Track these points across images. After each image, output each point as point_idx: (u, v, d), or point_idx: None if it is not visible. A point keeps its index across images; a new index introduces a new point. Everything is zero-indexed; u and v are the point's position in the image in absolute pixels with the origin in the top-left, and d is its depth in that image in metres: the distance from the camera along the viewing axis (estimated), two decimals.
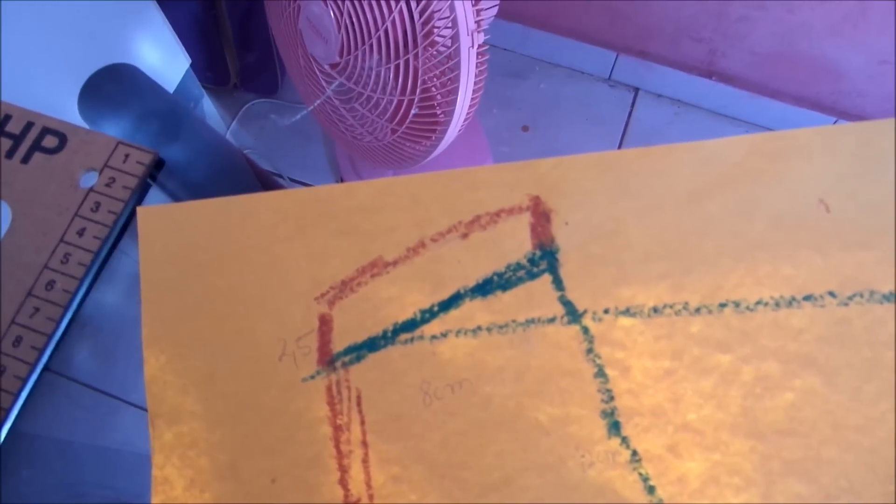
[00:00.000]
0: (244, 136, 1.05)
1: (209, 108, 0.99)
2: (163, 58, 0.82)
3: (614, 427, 0.22)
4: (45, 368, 0.94)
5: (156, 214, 0.25)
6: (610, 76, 1.09)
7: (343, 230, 0.24)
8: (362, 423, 0.23)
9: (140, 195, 0.27)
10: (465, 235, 0.24)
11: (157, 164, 0.29)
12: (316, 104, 0.69)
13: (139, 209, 0.25)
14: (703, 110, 1.06)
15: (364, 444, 0.23)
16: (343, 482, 0.23)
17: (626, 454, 0.22)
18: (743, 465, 0.21)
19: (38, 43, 0.45)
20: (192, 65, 0.89)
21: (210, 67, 1.01)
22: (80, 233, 0.27)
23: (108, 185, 0.28)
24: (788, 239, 0.22)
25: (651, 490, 0.22)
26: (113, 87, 0.32)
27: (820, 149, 0.23)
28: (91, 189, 0.28)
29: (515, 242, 0.23)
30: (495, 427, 0.23)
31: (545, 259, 0.23)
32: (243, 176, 0.34)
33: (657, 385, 0.22)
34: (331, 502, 0.23)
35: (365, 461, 0.23)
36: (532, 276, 0.23)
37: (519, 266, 0.23)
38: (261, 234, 0.24)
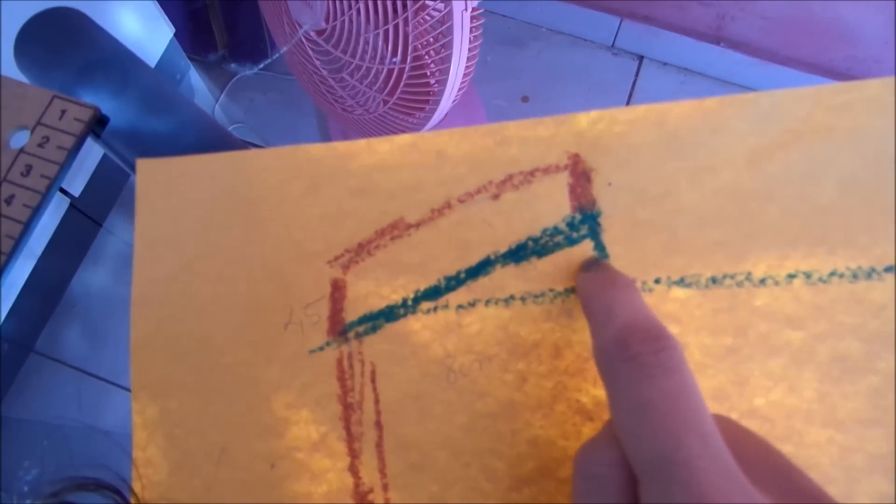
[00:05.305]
0: (233, 109, 1.02)
1: (196, 81, 0.95)
2: (144, 26, 0.79)
3: None
4: (33, 351, 0.91)
5: (156, 167, 0.22)
6: (613, 43, 1.05)
7: (361, 189, 0.22)
8: (377, 401, 0.21)
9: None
10: (495, 196, 0.21)
11: (99, 121, 0.26)
12: (284, 50, 0.66)
13: (139, 161, 0.22)
14: (710, 79, 1.03)
15: (378, 425, 0.20)
16: (353, 469, 0.20)
17: None
18: (819, 458, 0.19)
19: None
20: (176, 35, 0.85)
21: (196, 38, 0.98)
22: (9, 200, 0.24)
23: (40, 145, 0.25)
24: (863, 203, 0.20)
25: None
26: (54, 34, 0.29)
27: (893, 100, 0.20)
28: (21, 150, 0.25)
29: (552, 204, 0.21)
30: (530, 410, 0.20)
31: (586, 223, 0.21)
32: (210, 132, 0.31)
33: (718, 365, 0.20)
34: (339, 491, 0.20)
35: (379, 445, 0.20)
36: (571, 241, 0.21)
37: (556, 230, 0.21)
38: (270, 192, 0.22)
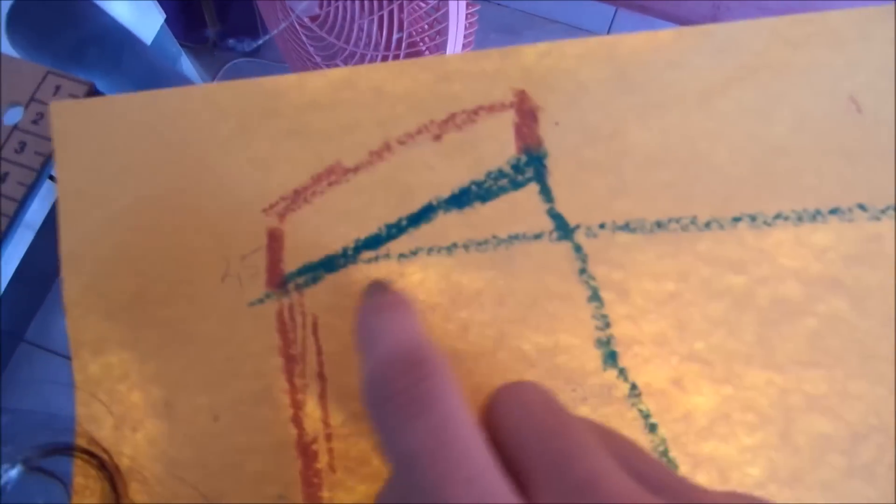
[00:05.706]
0: None
1: (188, 68, 0.94)
2: (133, 12, 0.78)
3: (610, 357, 0.20)
4: (24, 340, 0.91)
5: (73, 110, 0.21)
6: (608, 32, 1.05)
7: (295, 130, 0.21)
8: (319, 353, 0.20)
9: None
10: (437, 137, 0.20)
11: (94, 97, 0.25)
12: (279, 29, 0.66)
13: (53, 104, 0.21)
14: None
15: (321, 377, 0.20)
16: (296, 420, 0.20)
17: (625, 388, 0.19)
18: (758, 399, 0.19)
19: None
20: (166, 20, 0.84)
21: (187, 24, 0.96)
22: (3, 178, 0.24)
23: (34, 121, 0.24)
24: (813, 143, 0.19)
25: (652, 428, 0.19)
26: (46, 9, 0.28)
27: (854, 35, 0.20)
28: (15, 127, 0.25)
29: (497, 145, 0.20)
30: (473, 358, 0.20)
31: (531, 165, 0.20)
32: None
33: (660, 310, 0.20)
34: (282, 442, 0.20)
35: (322, 396, 0.20)
36: (516, 185, 0.20)
37: (501, 173, 0.20)
38: (197, 135, 0.21)
